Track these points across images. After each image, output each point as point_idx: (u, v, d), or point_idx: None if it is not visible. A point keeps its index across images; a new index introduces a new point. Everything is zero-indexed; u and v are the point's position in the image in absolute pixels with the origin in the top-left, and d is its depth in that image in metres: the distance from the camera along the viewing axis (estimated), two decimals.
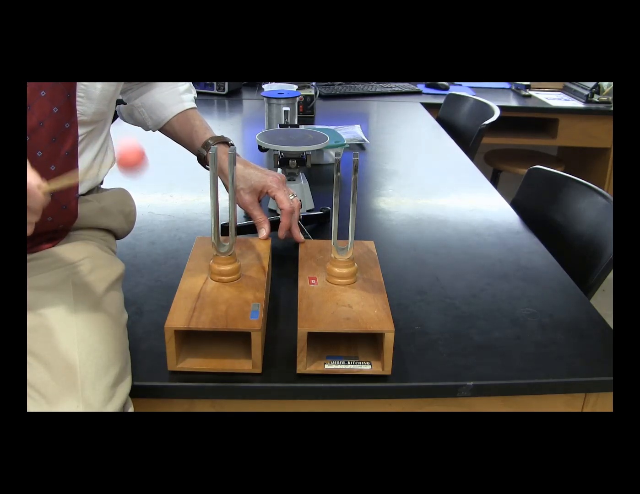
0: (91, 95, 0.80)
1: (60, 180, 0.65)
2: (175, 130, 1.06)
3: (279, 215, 1.17)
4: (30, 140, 0.71)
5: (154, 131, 1.09)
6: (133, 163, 0.65)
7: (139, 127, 1.10)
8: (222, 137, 1.04)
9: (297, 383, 0.77)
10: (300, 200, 1.03)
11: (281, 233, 1.00)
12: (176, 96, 1.05)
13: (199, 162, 1.05)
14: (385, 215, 1.30)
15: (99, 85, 0.80)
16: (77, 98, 0.77)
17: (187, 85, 1.07)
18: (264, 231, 0.98)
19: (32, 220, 0.60)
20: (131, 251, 1.06)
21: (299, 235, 1.00)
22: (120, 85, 0.89)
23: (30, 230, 0.60)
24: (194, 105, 1.07)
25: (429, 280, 1.02)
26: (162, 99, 1.04)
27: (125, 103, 1.08)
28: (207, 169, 1.01)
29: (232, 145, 1.04)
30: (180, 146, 1.08)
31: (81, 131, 0.80)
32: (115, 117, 1.01)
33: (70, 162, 0.76)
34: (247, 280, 0.84)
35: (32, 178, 0.59)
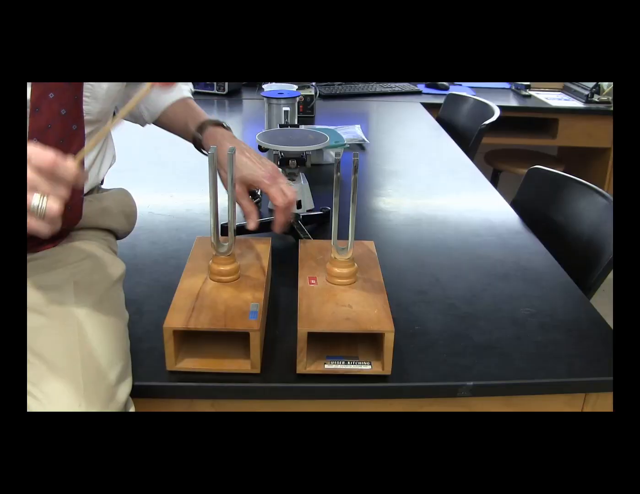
0: (97, 95, 0.80)
1: (81, 152, 0.64)
2: (170, 119, 1.03)
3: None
4: (39, 142, 0.71)
5: (150, 123, 1.07)
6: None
7: (136, 125, 1.09)
8: (217, 120, 1.01)
9: (297, 383, 0.77)
10: (296, 191, 0.99)
11: (277, 228, 0.94)
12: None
13: (195, 147, 1.02)
14: (385, 215, 1.30)
15: (104, 85, 0.80)
16: (84, 98, 0.77)
17: None
18: (252, 222, 0.93)
19: (63, 194, 0.58)
20: (131, 251, 1.06)
21: (278, 229, 0.94)
22: (124, 85, 0.89)
23: (60, 209, 0.57)
24: (187, 95, 1.05)
25: (429, 280, 1.02)
26: (154, 93, 1.02)
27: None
28: (204, 153, 0.99)
29: (229, 128, 1.02)
30: (180, 142, 1.06)
31: (85, 131, 0.80)
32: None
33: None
34: (247, 280, 0.84)
35: (54, 153, 0.57)
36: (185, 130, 1.02)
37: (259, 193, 1.30)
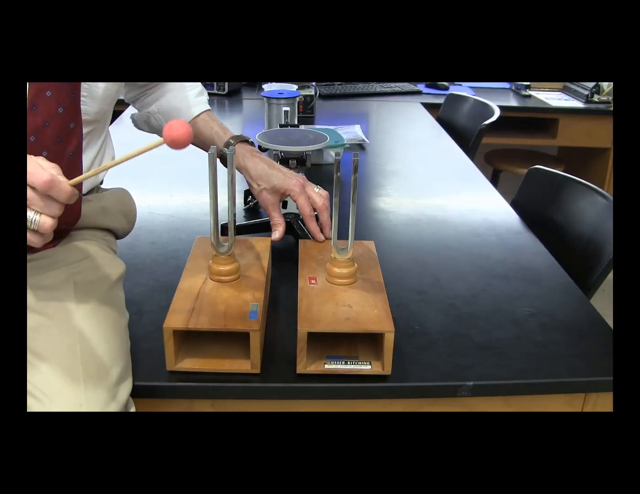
0: (94, 94, 0.80)
1: (79, 177, 0.64)
2: (194, 133, 1.03)
3: (288, 219, 1.17)
4: (36, 140, 0.71)
5: None
6: (180, 138, 0.61)
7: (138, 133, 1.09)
8: (242, 136, 1.05)
9: (297, 383, 0.77)
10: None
11: (317, 236, 0.99)
12: (191, 99, 1.05)
13: (221, 162, 1.03)
14: (385, 215, 1.30)
15: (101, 85, 0.81)
16: (81, 98, 0.77)
17: (199, 87, 1.08)
18: (277, 233, 0.99)
19: (55, 212, 0.59)
20: (131, 251, 1.06)
21: (328, 232, 0.99)
22: (122, 85, 0.89)
23: (53, 224, 0.59)
24: (208, 107, 1.08)
25: (429, 280, 1.02)
26: (178, 103, 1.05)
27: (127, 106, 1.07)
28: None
29: (252, 143, 1.05)
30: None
31: (83, 130, 0.80)
32: (114, 117, 1.00)
33: (74, 163, 0.76)
34: (246, 280, 0.84)
35: (56, 170, 0.59)
36: (208, 145, 1.01)
37: None
